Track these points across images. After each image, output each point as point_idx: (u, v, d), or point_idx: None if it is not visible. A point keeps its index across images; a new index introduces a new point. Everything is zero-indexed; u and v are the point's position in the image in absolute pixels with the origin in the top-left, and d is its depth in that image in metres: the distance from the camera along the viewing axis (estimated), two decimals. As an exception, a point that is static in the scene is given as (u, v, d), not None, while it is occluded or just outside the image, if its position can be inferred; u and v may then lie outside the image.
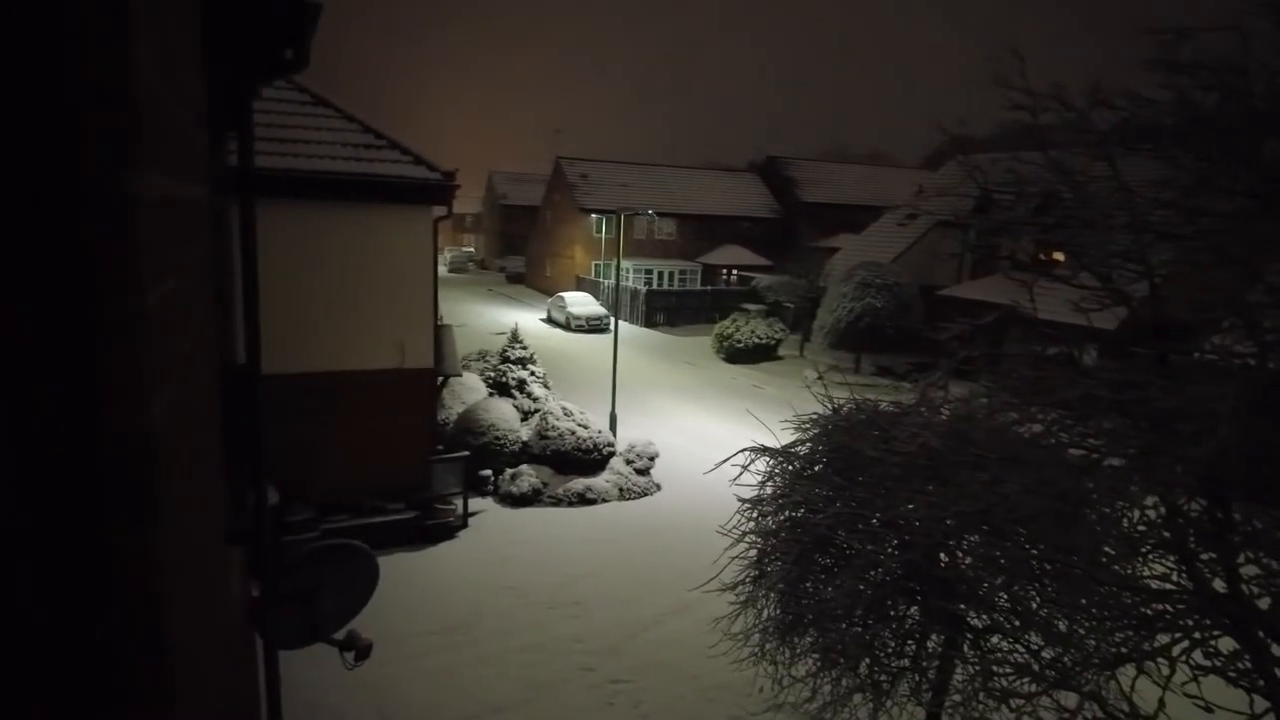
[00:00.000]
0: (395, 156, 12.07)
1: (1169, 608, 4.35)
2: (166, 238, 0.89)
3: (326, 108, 12.55)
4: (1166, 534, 4.39)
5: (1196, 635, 4.13)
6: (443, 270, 57.43)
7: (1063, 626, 4.99)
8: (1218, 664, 4.07)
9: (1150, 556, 4.62)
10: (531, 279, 54.77)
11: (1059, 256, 5.93)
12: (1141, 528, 4.53)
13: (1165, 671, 4.15)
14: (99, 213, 0.64)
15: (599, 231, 44.61)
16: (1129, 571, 4.66)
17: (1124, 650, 4.34)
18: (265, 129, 11.43)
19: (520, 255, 60.31)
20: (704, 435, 18.94)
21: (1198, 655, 4.15)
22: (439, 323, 13.15)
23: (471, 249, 78.20)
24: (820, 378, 6.83)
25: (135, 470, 0.70)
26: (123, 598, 0.72)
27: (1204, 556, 4.36)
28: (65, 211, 0.64)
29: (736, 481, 6.42)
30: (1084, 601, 4.78)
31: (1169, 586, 4.47)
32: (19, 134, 0.62)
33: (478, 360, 20.40)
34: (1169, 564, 4.57)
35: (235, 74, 3.86)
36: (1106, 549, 4.77)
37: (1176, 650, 4.13)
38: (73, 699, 0.70)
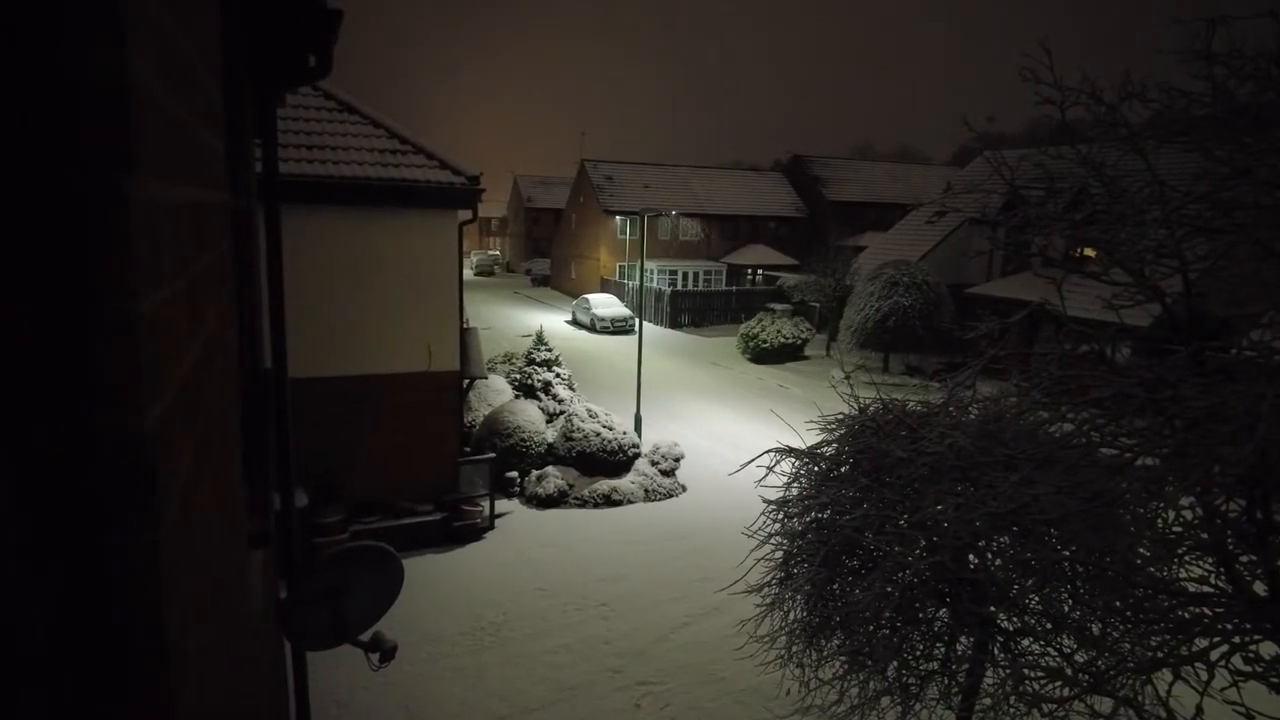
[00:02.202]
0: (421, 161, 12.17)
1: (1207, 611, 4.24)
2: (170, 241, 0.90)
3: (353, 114, 12.69)
4: (1204, 535, 4.27)
5: (1236, 640, 4.02)
6: (469, 274, 57.96)
7: (1096, 630, 4.89)
8: (1259, 669, 3.95)
9: (1187, 559, 4.50)
10: (556, 281, 55.01)
11: (1090, 253, 5.81)
12: (1178, 529, 4.42)
13: (1204, 677, 4.04)
14: (94, 216, 0.65)
15: (623, 233, 44.70)
16: (1165, 574, 4.54)
17: (1161, 654, 4.23)
18: (293, 135, 11.61)
19: (546, 258, 60.61)
20: (730, 436, 18.86)
21: (1237, 660, 4.03)
22: (465, 326, 13.24)
23: (497, 252, 78.78)
24: (847, 378, 6.76)
25: (133, 471, 0.71)
26: (123, 597, 0.73)
27: (1244, 559, 4.24)
28: (61, 215, 0.64)
29: (762, 483, 6.38)
30: (1118, 604, 4.67)
31: (1207, 589, 4.35)
32: (16, 138, 0.62)
33: (504, 363, 20.51)
34: (1207, 566, 4.45)
35: (258, 81, 3.92)
36: (1141, 550, 4.66)
37: (1215, 655, 4.02)
38: (71, 699, 0.70)
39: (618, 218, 44.32)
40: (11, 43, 0.61)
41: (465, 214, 12.44)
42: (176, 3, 1.09)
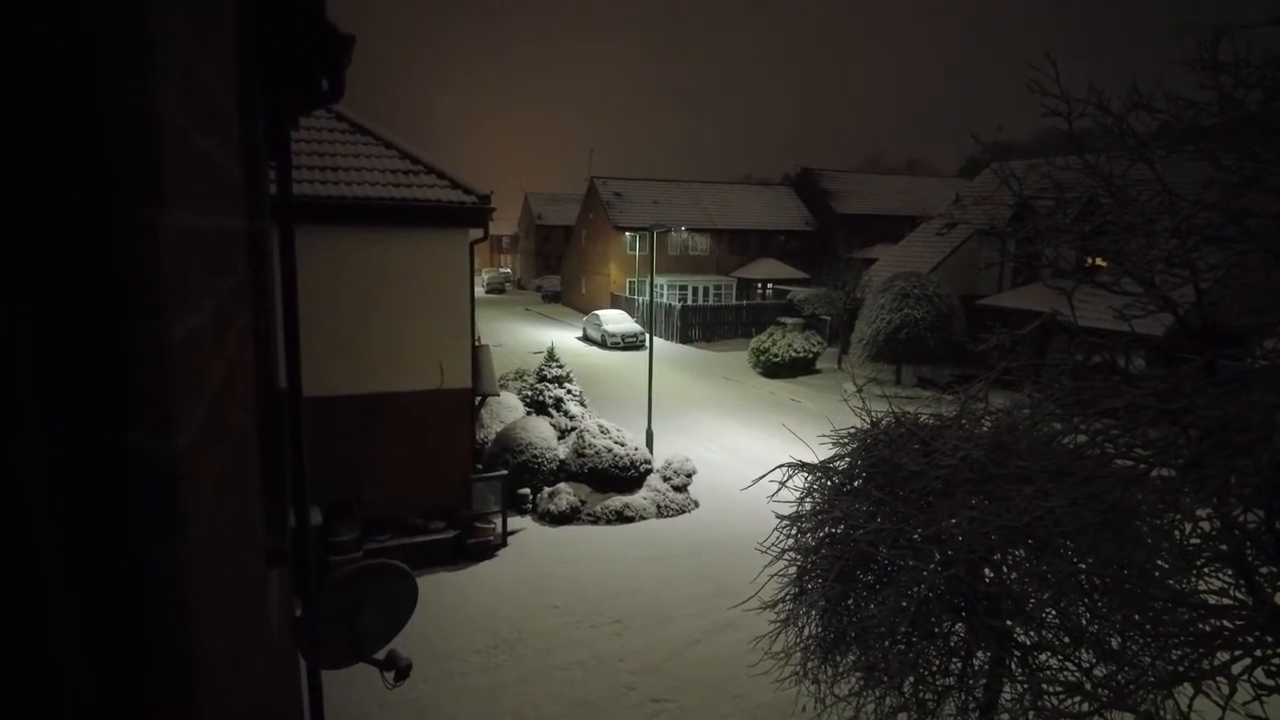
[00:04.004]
0: (432, 181, 12.29)
1: (1228, 624, 4.18)
2: (196, 267, 0.93)
3: (365, 135, 12.85)
4: (1223, 547, 4.22)
5: (1258, 653, 3.96)
6: (480, 291, 58.21)
7: (1116, 643, 4.83)
8: (1282, 683, 3.90)
9: (1206, 570, 4.45)
10: (567, 298, 55.19)
11: (1101, 263, 5.79)
12: (1195, 540, 4.38)
13: (1225, 691, 3.98)
14: (127, 249, 0.68)
15: (633, 249, 44.83)
16: (1185, 586, 4.49)
17: (1181, 668, 4.18)
18: (307, 157, 11.76)
19: (556, 274, 60.85)
20: (742, 451, 18.81)
21: (1260, 674, 3.97)
22: (476, 343, 13.31)
23: (508, 270, 79.18)
24: (859, 391, 6.74)
25: (162, 487, 0.73)
26: (151, 610, 0.75)
27: (1264, 570, 4.19)
28: (98, 247, 0.68)
29: (774, 498, 6.36)
30: (1137, 617, 4.62)
31: (1227, 602, 4.30)
32: (55, 177, 0.66)
33: (515, 379, 20.57)
34: (1227, 578, 4.40)
35: (273, 105, 3.99)
36: (1160, 562, 4.62)
37: (1237, 668, 3.96)
38: (99, 711, 0.72)
39: (627, 233, 44.49)
40: (47, 81, 0.64)
41: (476, 232, 12.55)
42: (199, 34, 1.13)
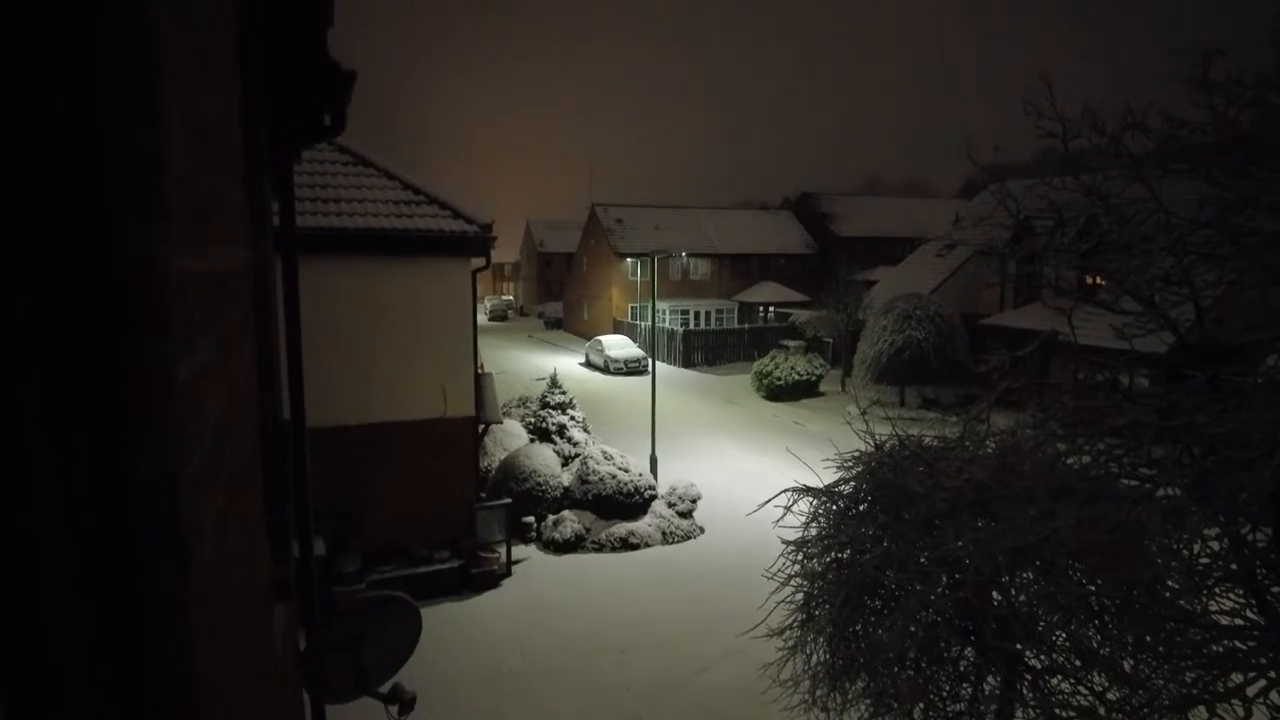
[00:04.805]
0: (434, 212, 12.39)
1: (1241, 644, 4.14)
2: (201, 304, 0.95)
3: (368, 166, 12.98)
4: (1233, 566, 4.19)
5: (1272, 674, 3.91)
6: (483, 318, 58.41)
7: (1128, 666, 4.77)
8: (1298, 704, 3.84)
9: (1217, 590, 4.40)
10: (570, 324, 55.33)
11: (1102, 281, 5.81)
12: (1204, 559, 4.34)
13: (1240, 713, 3.93)
14: (135, 289, 0.70)
15: (634, 274, 45.03)
16: (1196, 606, 4.44)
17: (1195, 691, 4.12)
18: (310, 189, 11.87)
19: (559, 301, 61.05)
20: (747, 474, 18.72)
21: (1275, 696, 3.92)
22: (479, 371, 13.33)
23: (510, 297, 79.52)
24: (864, 414, 6.73)
25: (165, 517, 0.75)
26: (155, 636, 0.76)
27: (1275, 590, 4.15)
28: (105, 288, 0.69)
29: (779, 523, 6.33)
30: (1149, 639, 4.57)
31: (1240, 622, 4.25)
32: (62, 218, 0.67)
33: (518, 406, 20.56)
34: (1238, 598, 4.35)
35: (276, 139, 4.04)
36: (1170, 582, 4.58)
37: (1252, 690, 3.91)
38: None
39: (629, 259, 44.71)
40: (53, 127, 0.66)
41: (479, 261, 12.62)
42: (207, 72, 1.16)
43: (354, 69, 3.49)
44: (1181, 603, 4.47)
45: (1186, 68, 4.37)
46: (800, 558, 6.26)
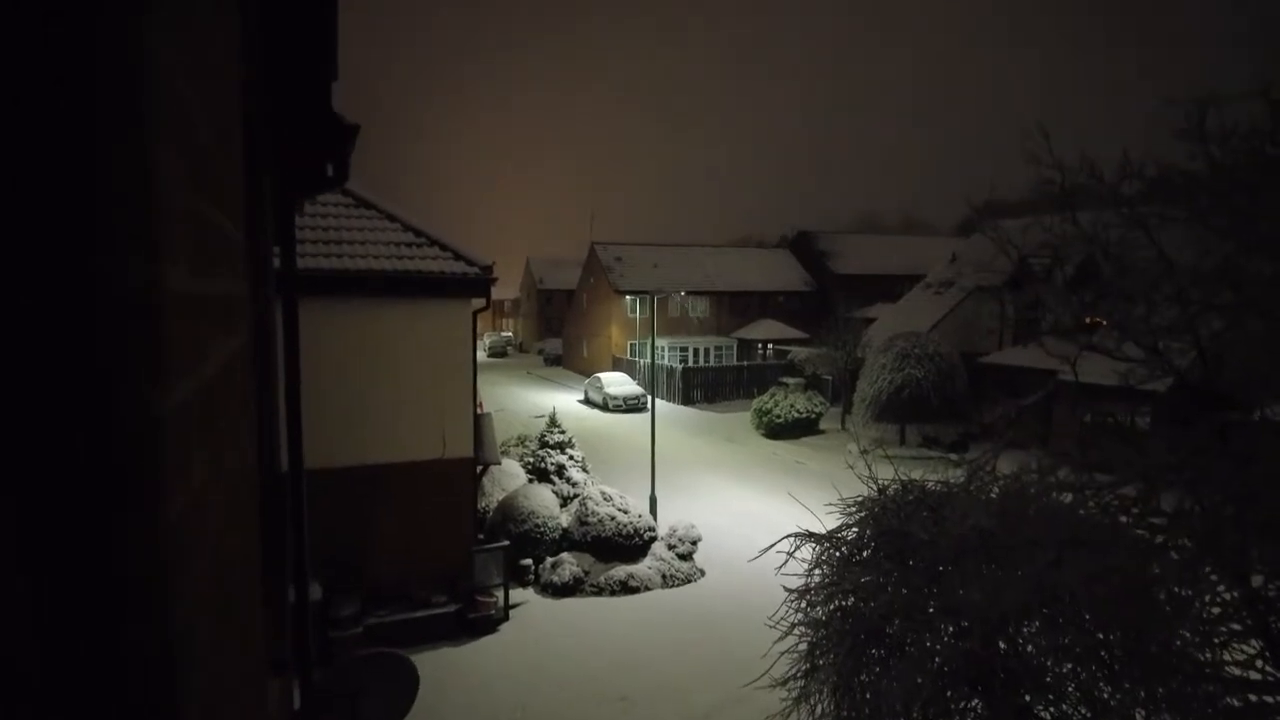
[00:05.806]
0: (435, 253, 12.46)
1: (1257, 699, 4.04)
2: (190, 345, 0.94)
3: (369, 209, 13.08)
4: (1248, 620, 4.11)
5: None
6: (482, 355, 58.43)
7: (1139, 717, 4.65)
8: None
9: (1232, 642, 4.32)
10: (569, 361, 55.36)
11: (1102, 320, 5.80)
12: (1215, 609, 4.26)
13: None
14: (115, 322, 0.70)
15: (634, 312, 45.20)
16: (1209, 658, 4.35)
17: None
18: (312, 231, 11.95)
19: (558, 337, 61.18)
20: (748, 514, 18.56)
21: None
22: (478, 411, 13.27)
23: (510, 334, 79.68)
24: (864, 454, 6.68)
25: (149, 567, 0.73)
26: (137, 691, 0.74)
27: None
28: (81, 322, 0.70)
29: (782, 570, 6.23)
30: (1161, 691, 4.46)
31: (1255, 675, 4.16)
32: (46, 247, 0.68)
33: (516, 445, 20.44)
34: (1252, 648, 4.26)
35: (280, 189, 4.07)
36: (1182, 633, 4.48)
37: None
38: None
39: (628, 297, 44.91)
40: (42, 150, 0.66)
41: (479, 301, 12.67)
42: (212, 132, 1.15)
43: (357, 123, 3.52)
44: (1194, 653, 4.38)
45: (1179, 119, 4.41)
46: (803, 605, 6.15)
